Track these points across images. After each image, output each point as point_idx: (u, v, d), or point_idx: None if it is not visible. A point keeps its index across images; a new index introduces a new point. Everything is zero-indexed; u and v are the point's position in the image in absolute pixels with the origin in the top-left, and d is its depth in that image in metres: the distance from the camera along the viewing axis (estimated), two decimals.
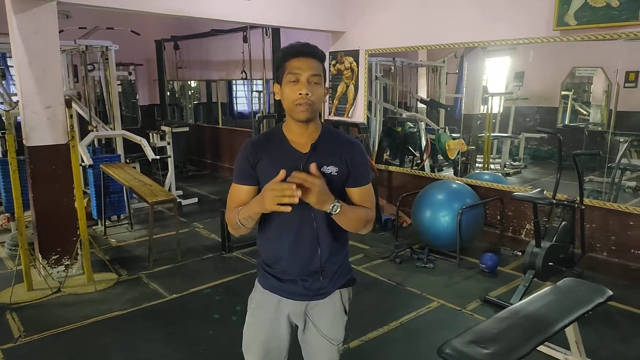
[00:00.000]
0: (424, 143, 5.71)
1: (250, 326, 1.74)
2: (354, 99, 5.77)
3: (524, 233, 4.53)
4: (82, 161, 4.90)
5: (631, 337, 3.08)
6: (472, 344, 1.95)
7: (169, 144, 6.58)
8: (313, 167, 1.45)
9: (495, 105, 5.60)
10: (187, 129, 7.44)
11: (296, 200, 1.38)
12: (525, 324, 2.17)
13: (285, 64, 1.52)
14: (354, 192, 1.61)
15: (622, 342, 3.02)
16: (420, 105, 6.40)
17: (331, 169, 1.55)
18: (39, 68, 3.67)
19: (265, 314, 1.69)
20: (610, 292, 2.52)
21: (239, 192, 1.61)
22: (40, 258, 3.89)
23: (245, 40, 6.90)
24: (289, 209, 1.40)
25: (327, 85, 1.62)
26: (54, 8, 3.69)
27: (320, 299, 1.66)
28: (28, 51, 3.62)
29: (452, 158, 5.53)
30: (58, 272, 3.95)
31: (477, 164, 5.71)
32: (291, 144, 1.57)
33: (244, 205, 1.55)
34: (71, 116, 3.77)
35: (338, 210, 1.47)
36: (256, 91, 7.71)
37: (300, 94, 1.48)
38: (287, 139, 1.58)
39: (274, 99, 7.10)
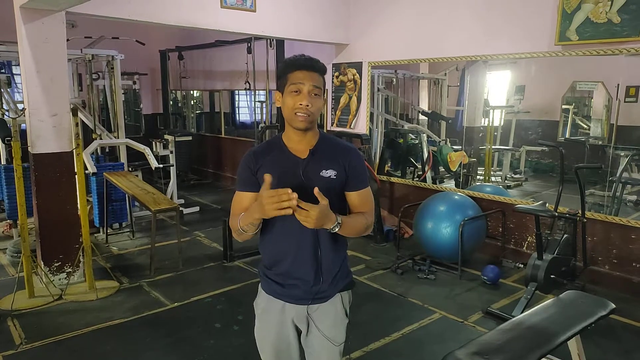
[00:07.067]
0: (425, 155, 5.74)
1: (259, 330, 1.78)
2: (357, 110, 5.81)
3: (525, 245, 4.53)
4: (86, 169, 4.93)
5: (633, 351, 3.07)
6: (475, 355, 1.95)
7: (171, 152, 6.62)
8: (317, 190, 1.44)
9: (497, 118, 5.63)
10: (189, 138, 7.47)
11: (294, 203, 1.39)
12: (528, 336, 2.17)
13: (288, 75, 1.58)
14: (353, 196, 1.68)
15: (624, 356, 3.02)
16: (421, 117, 6.45)
17: (330, 173, 1.62)
18: (46, 76, 3.72)
19: (272, 319, 1.72)
20: (613, 305, 2.51)
21: (242, 199, 1.66)
22: (42, 265, 3.90)
23: (249, 51, 6.97)
24: (290, 211, 1.41)
25: (325, 97, 1.68)
26: (63, 18, 3.75)
27: (321, 302, 1.69)
28: (36, 60, 3.66)
29: (454, 170, 5.56)
30: (60, 279, 3.96)
31: (478, 176, 5.73)
32: (290, 151, 1.63)
33: (245, 212, 1.59)
34: (77, 124, 3.80)
35: (337, 229, 1.53)
36: (259, 101, 7.77)
37: (300, 104, 1.55)
38: (286, 147, 1.64)
39: (276, 107, 7.15)
